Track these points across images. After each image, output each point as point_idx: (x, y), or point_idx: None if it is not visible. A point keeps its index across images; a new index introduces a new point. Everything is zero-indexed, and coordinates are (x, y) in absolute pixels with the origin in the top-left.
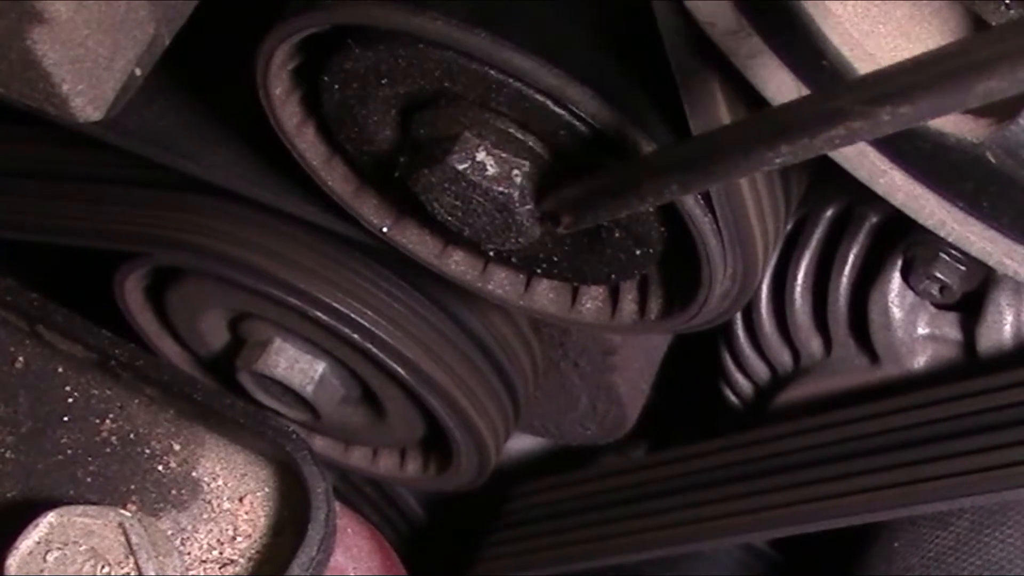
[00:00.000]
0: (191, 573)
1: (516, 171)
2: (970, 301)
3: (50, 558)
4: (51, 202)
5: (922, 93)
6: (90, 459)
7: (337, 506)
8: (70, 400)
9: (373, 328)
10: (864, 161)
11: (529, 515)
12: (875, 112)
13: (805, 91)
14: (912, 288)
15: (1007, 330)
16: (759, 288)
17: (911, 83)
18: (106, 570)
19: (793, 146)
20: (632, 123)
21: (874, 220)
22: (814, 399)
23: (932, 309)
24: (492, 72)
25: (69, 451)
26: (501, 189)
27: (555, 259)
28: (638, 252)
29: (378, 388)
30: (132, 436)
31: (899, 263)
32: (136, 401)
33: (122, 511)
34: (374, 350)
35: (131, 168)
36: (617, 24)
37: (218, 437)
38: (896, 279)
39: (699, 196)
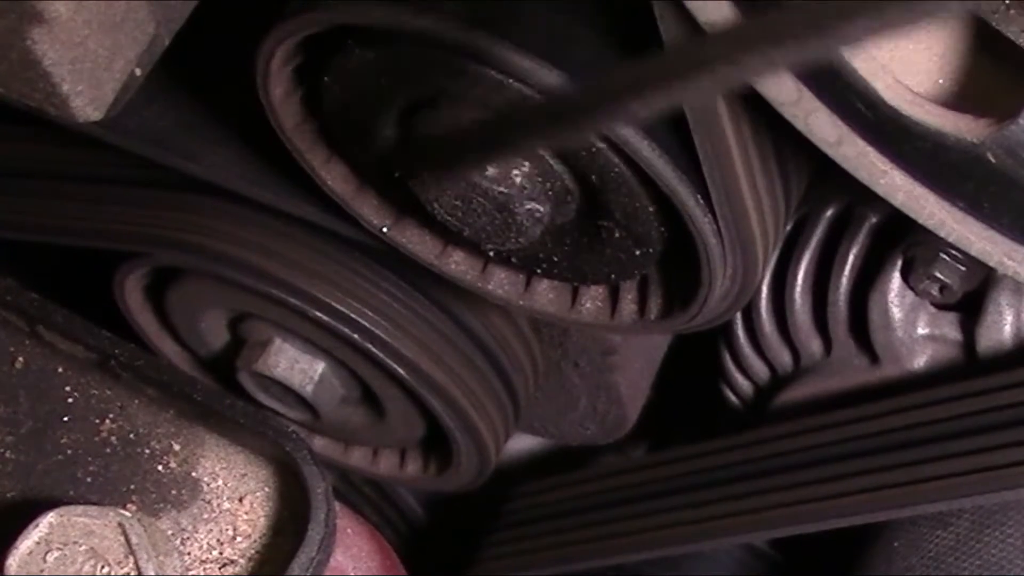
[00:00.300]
0: (191, 573)
1: (516, 171)
2: (970, 301)
3: (50, 558)
4: (51, 202)
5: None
6: (90, 459)
7: (337, 506)
8: (70, 400)
9: (373, 328)
10: (864, 161)
11: (529, 515)
12: (740, 58)
13: (805, 91)
14: (912, 288)
15: (1007, 330)
16: (759, 288)
17: (766, 29)
18: (106, 570)
19: (668, 93)
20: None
21: (874, 220)
22: (814, 399)
23: (932, 309)
24: (492, 72)
25: (69, 451)
26: (501, 189)
27: (555, 259)
28: (638, 252)
29: (378, 388)
30: (132, 436)
31: (899, 263)
32: (136, 401)
33: (122, 511)
34: (374, 350)
35: (131, 168)
36: (617, 24)
37: (218, 437)
38: (896, 279)
39: (699, 196)
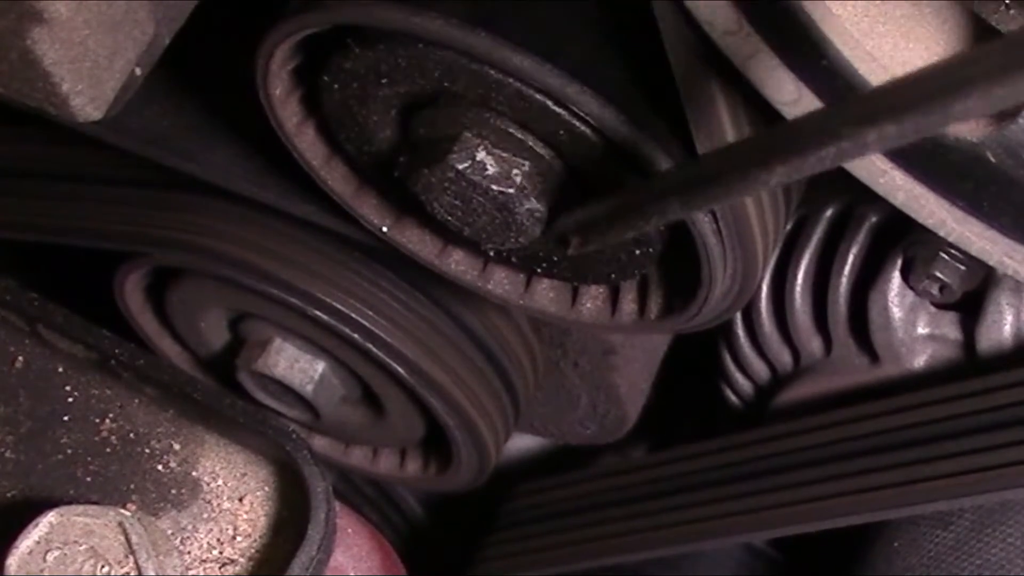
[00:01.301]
0: (191, 573)
1: (516, 171)
2: (970, 301)
3: (50, 558)
4: (51, 202)
5: (906, 113)
6: (90, 459)
7: (337, 506)
8: (70, 400)
9: (373, 328)
10: (864, 161)
11: (529, 515)
12: (863, 132)
13: (805, 91)
14: (912, 288)
15: (1007, 330)
16: (759, 288)
17: (895, 104)
18: (106, 570)
19: (787, 167)
20: (632, 122)
21: (874, 220)
22: (814, 399)
23: (932, 309)
24: (492, 72)
25: (69, 451)
26: (501, 189)
27: (555, 259)
28: (638, 252)
29: (378, 388)
30: (132, 436)
31: (899, 263)
32: (136, 401)
33: (122, 511)
34: (374, 350)
35: (131, 168)
36: (617, 24)
37: (218, 437)
38: (896, 279)
39: None
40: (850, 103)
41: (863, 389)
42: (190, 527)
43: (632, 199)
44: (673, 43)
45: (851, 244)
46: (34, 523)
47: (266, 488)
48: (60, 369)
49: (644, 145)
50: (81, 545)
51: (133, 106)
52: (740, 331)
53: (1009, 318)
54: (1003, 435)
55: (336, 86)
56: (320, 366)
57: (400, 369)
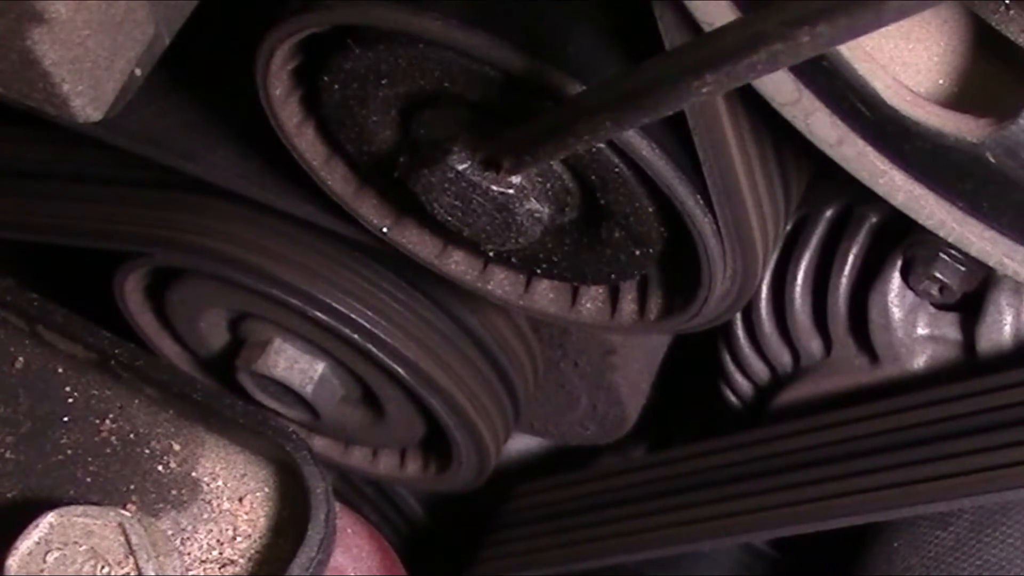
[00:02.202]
0: (191, 573)
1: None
2: (970, 301)
3: (50, 558)
4: (51, 202)
5: (838, 12)
6: (90, 459)
7: (337, 506)
8: (70, 400)
9: (373, 328)
10: (864, 161)
11: (529, 515)
12: (794, 34)
13: (805, 91)
14: (912, 288)
15: (1007, 330)
16: (759, 288)
17: (826, 4)
18: (106, 570)
19: (718, 74)
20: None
21: (874, 220)
22: (814, 399)
23: (932, 309)
24: (492, 72)
25: (69, 451)
26: (501, 189)
27: (555, 259)
28: (638, 252)
29: (378, 388)
30: (132, 436)
31: (899, 263)
32: (136, 401)
33: (122, 511)
34: (374, 350)
35: (131, 168)
36: (617, 24)
37: (218, 437)
38: (896, 279)
39: (699, 196)
40: (780, 6)
41: (863, 389)
42: (190, 528)
43: (563, 117)
44: (673, 43)
45: (851, 244)
46: (34, 523)
47: (266, 488)
48: (60, 369)
49: (644, 145)
50: (81, 546)
51: (133, 106)
52: (740, 331)
53: (1009, 318)
54: (1003, 435)
55: (336, 86)
56: (320, 366)
57: (400, 369)
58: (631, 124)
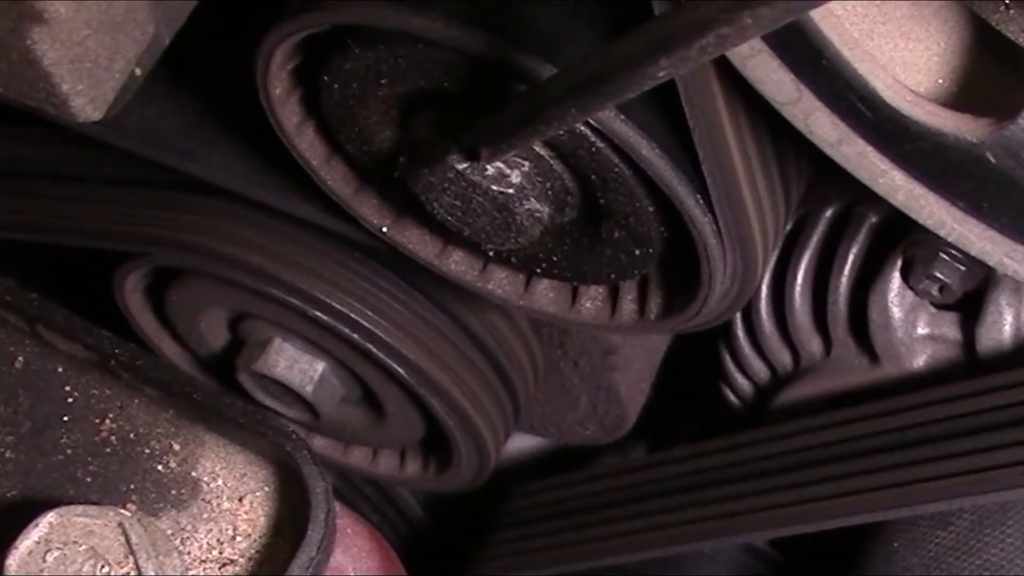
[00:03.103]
0: (191, 573)
1: (516, 171)
2: (970, 301)
3: (50, 558)
4: (51, 202)
5: None
6: (90, 459)
7: (337, 506)
8: (70, 400)
9: (373, 328)
10: (864, 161)
11: (529, 515)
12: (737, 17)
13: (805, 91)
14: (912, 288)
15: (1007, 330)
16: (759, 288)
17: None
18: (106, 570)
19: (672, 58)
20: (636, 123)
21: (874, 220)
22: (814, 399)
23: (932, 309)
24: (492, 71)
25: (69, 451)
26: (500, 189)
27: (555, 259)
28: (638, 252)
29: (378, 388)
30: (132, 436)
31: (899, 263)
32: (136, 401)
33: (122, 511)
34: (374, 350)
35: (131, 168)
36: (617, 23)
37: (218, 437)
38: (896, 279)
39: (699, 196)
40: None
41: (863, 389)
42: (190, 527)
43: (531, 104)
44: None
45: (851, 244)
46: (34, 523)
47: (266, 488)
48: (60, 369)
49: (644, 145)
50: (81, 545)
51: (133, 106)
52: (740, 331)
53: (1009, 318)
54: (1003, 435)
55: (336, 86)
56: (320, 366)
57: (400, 369)
58: (596, 108)
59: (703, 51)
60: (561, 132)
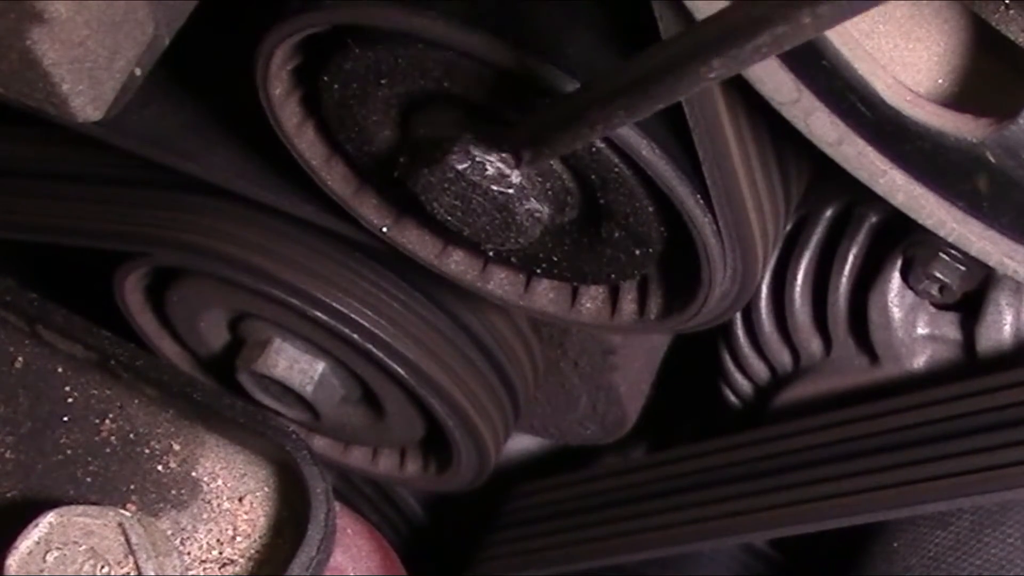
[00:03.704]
0: (191, 573)
1: (515, 171)
2: (970, 301)
3: (50, 558)
4: (51, 202)
5: None
6: (90, 459)
7: (337, 506)
8: (70, 400)
9: (373, 328)
10: (864, 161)
11: (529, 515)
12: (796, 15)
13: (805, 91)
14: (912, 288)
15: (1007, 330)
16: (759, 288)
17: None
18: (106, 570)
19: (724, 58)
20: (636, 123)
21: (874, 220)
22: (814, 399)
23: (932, 309)
24: (492, 72)
25: (69, 451)
26: (500, 189)
27: (555, 259)
28: (638, 252)
29: (378, 388)
30: (132, 436)
31: (899, 263)
32: (136, 401)
33: (122, 511)
34: (374, 350)
35: (131, 168)
36: (617, 23)
37: (218, 437)
38: (896, 279)
39: (699, 196)
40: None
41: (863, 389)
42: (190, 527)
43: (576, 106)
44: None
45: (851, 244)
46: (34, 523)
47: (266, 488)
48: (60, 369)
49: (644, 145)
50: (81, 545)
51: (133, 106)
52: (740, 331)
53: (1009, 318)
54: (1003, 435)
55: (336, 86)
56: (320, 366)
57: (400, 369)
58: (644, 111)
59: (757, 51)
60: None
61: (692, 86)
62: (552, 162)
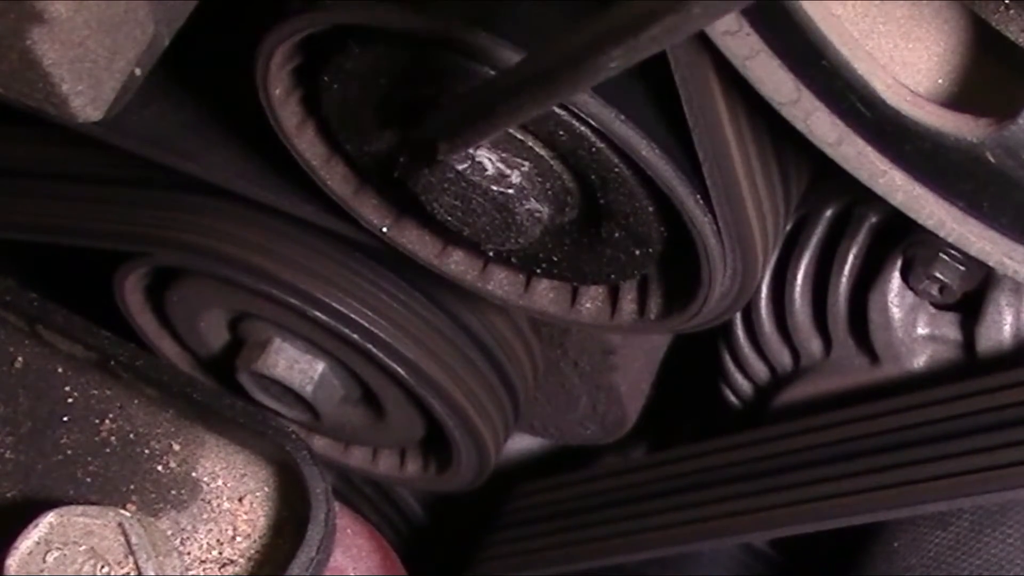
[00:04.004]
0: (191, 573)
1: (515, 171)
2: (970, 301)
3: (50, 558)
4: (51, 202)
5: None
6: (90, 459)
7: (337, 506)
8: (70, 400)
9: (373, 328)
10: (864, 161)
11: (529, 515)
12: (686, 5)
13: (804, 91)
14: (912, 288)
15: (1007, 330)
16: (759, 288)
17: None
18: (106, 570)
19: (621, 48)
20: (636, 123)
21: (874, 220)
22: (814, 399)
23: (932, 309)
24: (492, 72)
25: (69, 451)
26: (500, 189)
27: (555, 259)
28: (638, 252)
29: (378, 388)
30: (132, 436)
31: (899, 263)
32: (136, 401)
33: (122, 511)
34: (374, 350)
35: (131, 168)
36: None
37: (218, 437)
38: (896, 279)
39: (699, 196)
40: None
41: (863, 389)
42: (190, 527)
43: (487, 97)
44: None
45: (851, 244)
46: (34, 523)
47: (266, 488)
48: (60, 369)
49: (644, 145)
50: (81, 545)
51: (133, 106)
52: (740, 331)
53: (1009, 318)
54: (1003, 435)
55: (336, 86)
56: (320, 366)
57: (400, 369)
58: (550, 101)
59: (653, 40)
60: (519, 126)
61: (595, 76)
62: (552, 162)
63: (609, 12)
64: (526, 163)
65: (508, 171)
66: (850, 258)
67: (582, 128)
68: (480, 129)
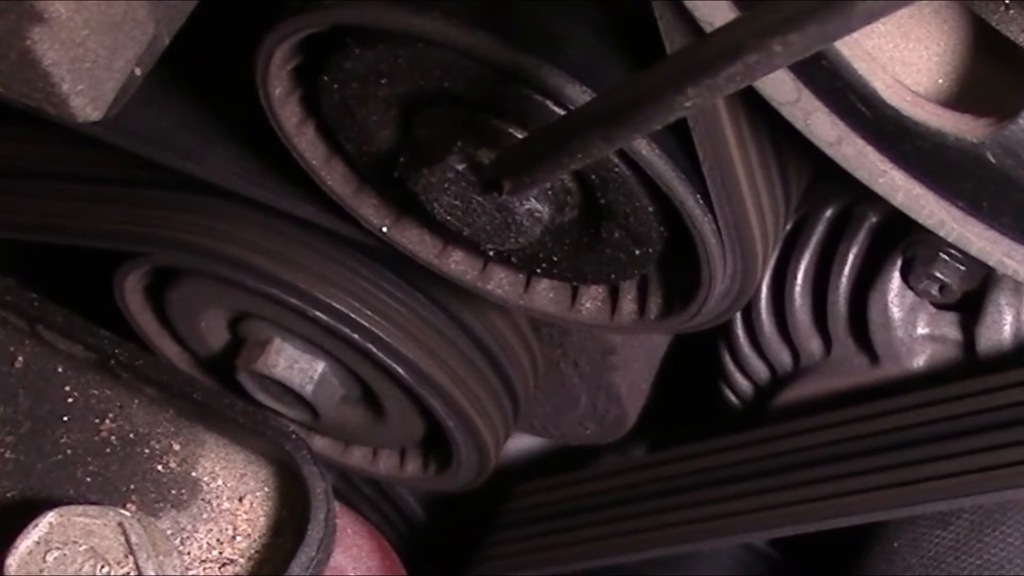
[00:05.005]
0: (191, 573)
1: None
2: (970, 301)
3: (50, 558)
4: (51, 202)
5: (807, 19)
6: (90, 459)
7: (337, 506)
8: (70, 400)
9: (373, 328)
10: (864, 161)
11: (529, 515)
12: (767, 44)
13: (804, 91)
14: (912, 288)
15: (1007, 330)
16: (759, 288)
17: (796, 11)
18: (106, 570)
19: (698, 87)
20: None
21: (874, 220)
22: (814, 399)
23: (932, 309)
24: (492, 72)
25: (69, 451)
26: None
27: (555, 259)
28: (638, 252)
29: (378, 388)
30: (132, 436)
31: (899, 263)
32: (136, 401)
33: (122, 511)
34: (374, 350)
35: (131, 168)
36: (616, 23)
37: (218, 437)
38: (896, 279)
39: (698, 196)
40: (749, 16)
41: (863, 389)
42: (190, 527)
43: (555, 137)
44: (673, 43)
45: (851, 244)
46: (34, 523)
47: (266, 488)
48: (60, 369)
49: (644, 145)
50: (81, 545)
51: (133, 106)
52: (740, 331)
53: (1009, 318)
54: (1003, 435)
55: (336, 86)
56: (320, 366)
57: (400, 369)
58: (623, 140)
59: (731, 80)
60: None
61: (669, 115)
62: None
63: (691, 50)
64: None
65: None
66: (850, 258)
67: None
68: (548, 168)
